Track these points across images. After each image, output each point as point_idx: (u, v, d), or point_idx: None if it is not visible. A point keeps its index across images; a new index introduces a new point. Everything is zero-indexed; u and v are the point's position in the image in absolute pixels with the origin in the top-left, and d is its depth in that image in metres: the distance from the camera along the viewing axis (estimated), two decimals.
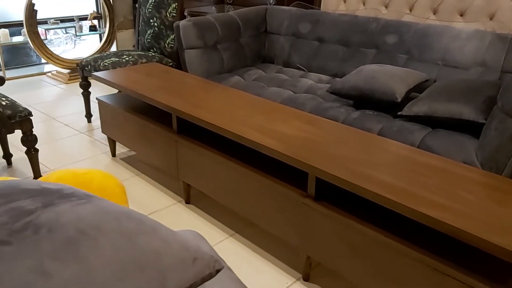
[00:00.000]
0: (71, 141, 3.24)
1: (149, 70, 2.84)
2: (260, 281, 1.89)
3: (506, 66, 2.37)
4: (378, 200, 1.48)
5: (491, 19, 2.71)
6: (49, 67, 5.00)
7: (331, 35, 3.06)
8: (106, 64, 3.21)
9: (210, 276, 0.66)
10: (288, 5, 3.55)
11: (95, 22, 5.12)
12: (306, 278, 1.90)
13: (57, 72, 4.74)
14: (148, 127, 2.48)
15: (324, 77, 2.99)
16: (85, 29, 5.09)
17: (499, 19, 2.68)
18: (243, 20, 3.24)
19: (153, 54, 3.48)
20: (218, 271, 0.67)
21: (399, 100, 2.29)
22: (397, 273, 1.50)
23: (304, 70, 3.12)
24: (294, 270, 1.95)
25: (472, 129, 2.07)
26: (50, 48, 4.52)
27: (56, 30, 5.61)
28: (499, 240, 1.23)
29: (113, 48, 5.07)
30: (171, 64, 3.45)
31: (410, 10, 3.02)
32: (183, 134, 2.31)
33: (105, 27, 4.98)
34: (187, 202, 2.45)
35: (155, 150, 2.48)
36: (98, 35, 5.30)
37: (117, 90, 3.47)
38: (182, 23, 2.97)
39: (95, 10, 5.15)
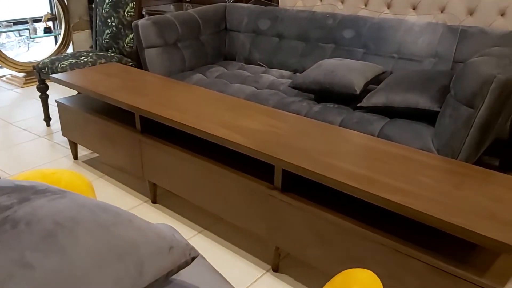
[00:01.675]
0: (31, 145, 3.16)
1: (109, 70, 2.81)
2: (230, 274, 1.91)
3: (457, 56, 2.49)
4: (342, 188, 1.53)
5: (442, 11, 2.83)
6: (3, 71, 4.84)
7: (290, 31, 3.11)
8: (64, 65, 3.14)
9: (186, 263, 0.68)
10: (246, 2, 3.58)
11: (50, 23, 4.99)
12: (275, 269, 1.93)
13: (12, 76, 4.60)
14: (111, 128, 2.46)
15: (285, 72, 3.04)
16: (40, 31, 4.95)
17: (450, 11, 2.80)
18: (202, 18, 3.25)
19: (112, 54, 3.43)
20: (193, 258, 0.69)
21: (358, 92, 2.36)
22: (363, 257, 1.56)
23: (265, 67, 3.15)
24: (263, 262, 1.99)
25: (428, 117, 2.16)
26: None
27: (8, 33, 5.43)
28: (457, 220, 1.30)
29: (70, 50, 4.96)
30: (130, 63, 3.41)
31: (365, 5, 3.11)
32: (147, 133, 2.30)
33: (60, 28, 4.86)
34: (154, 201, 2.44)
35: (119, 151, 2.46)
36: (53, 37, 5.17)
37: (76, 92, 3.41)
38: (141, 22, 2.95)
39: (49, 12, 5.02)
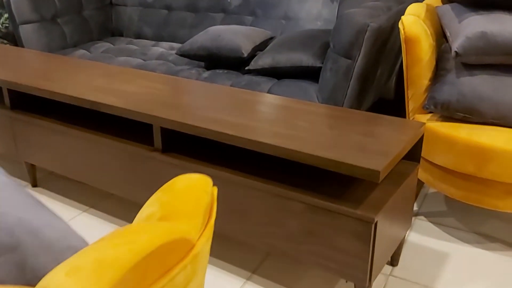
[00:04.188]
0: None
1: None
2: None
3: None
4: (220, 138, 1.47)
5: None
6: None
7: (178, 2, 3.00)
8: None
9: None
10: None
11: None
12: None
13: None
14: None
15: (175, 45, 2.93)
16: None
17: None
18: None
19: None
20: None
21: (246, 55, 2.32)
22: (248, 206, 1.50)
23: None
24: None
25: (313, 74, 2.16)
26: None
27: None
28: (329, 154, 1.29)
29: None
30: (6, 44, 3.12)
31: None
32: (19, 109, 2.09)
33: None
34: (34, 185, 2.23)
35: None
36: None
37: None
38: None
39: None
